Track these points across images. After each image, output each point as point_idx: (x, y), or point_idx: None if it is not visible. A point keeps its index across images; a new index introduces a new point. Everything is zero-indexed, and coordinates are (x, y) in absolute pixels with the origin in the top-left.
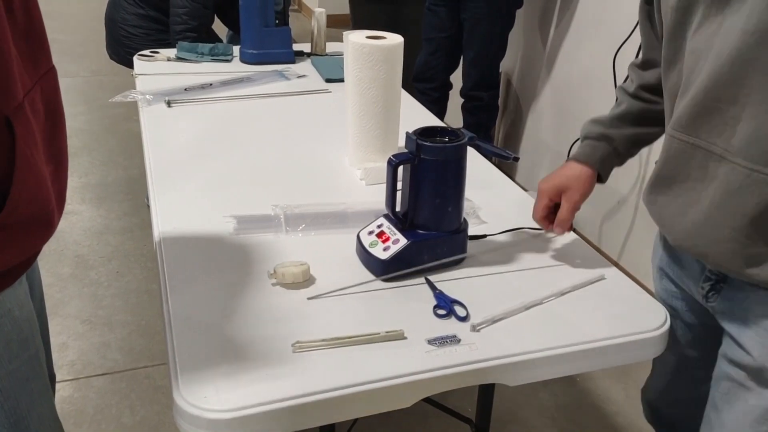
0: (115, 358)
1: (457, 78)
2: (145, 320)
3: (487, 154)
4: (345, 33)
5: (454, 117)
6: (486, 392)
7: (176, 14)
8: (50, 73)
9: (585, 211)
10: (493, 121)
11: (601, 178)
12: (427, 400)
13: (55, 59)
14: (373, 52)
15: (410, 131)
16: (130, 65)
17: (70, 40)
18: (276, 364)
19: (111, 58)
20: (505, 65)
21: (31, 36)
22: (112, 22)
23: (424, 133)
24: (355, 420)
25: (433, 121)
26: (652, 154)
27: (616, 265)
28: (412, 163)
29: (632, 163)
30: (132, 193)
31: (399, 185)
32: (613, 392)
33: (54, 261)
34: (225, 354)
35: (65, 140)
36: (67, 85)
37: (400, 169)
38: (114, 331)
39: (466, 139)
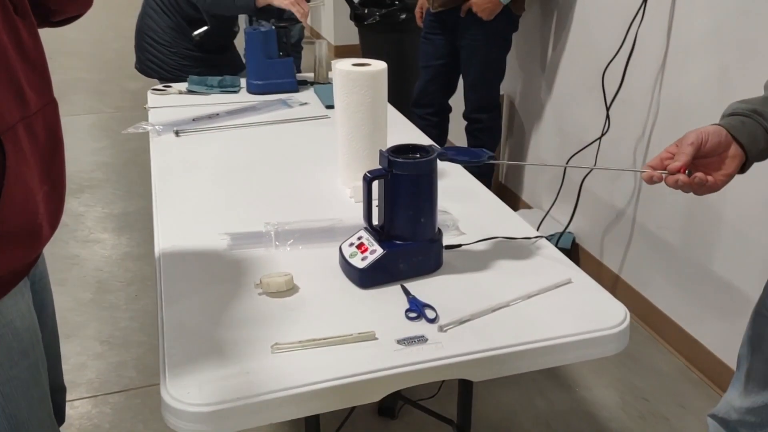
0: (130, 376)
1: (459, 101)
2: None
3: (463, 164)
4: (333, 61)
5: (460, 139)
6: (465, 393)
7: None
8: (51, 105)
9: (586, 226)
10: (495, 141)
11: (746, 161)
12: (412, 403)
13: (81, 96)
14: (358, 78)
15: (383, 149)
16: (157, 77)
17: (95, 79)
18: (255, 364)
19: (139, 70)
20: (507, 87)
21: (36, 69)
22: (140, 32)
23: (398, 150)
24: (343, 422)
25: (421, 141)
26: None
27: (617, 278)
28: (385, 178)
29: (628, 176)
30: (151, 222)
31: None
32: (609, 400)
33: (76, 286)
34: (209, 355)
35: (63, 165)
36: (92, 121)
37: (375, 184)
38: (130, 350)
39: (435, 154)
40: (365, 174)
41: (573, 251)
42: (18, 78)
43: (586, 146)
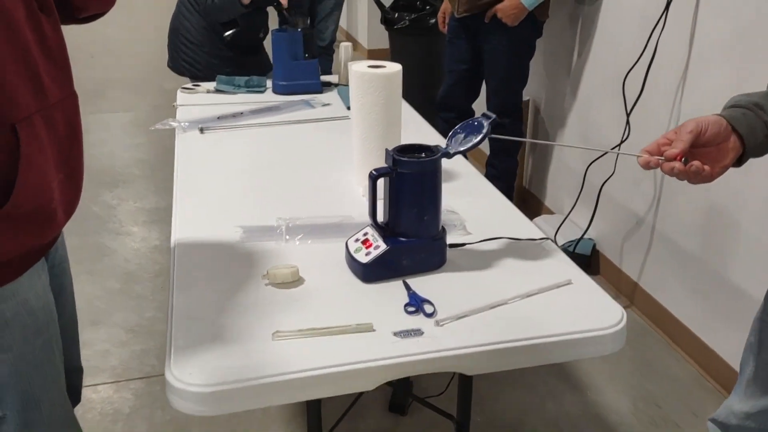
0: (152, 364)
1: (482, 105)
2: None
3: (471, 149)
4: (349, 63)
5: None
6: (465, 390)
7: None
8: (71, 98)
9: (606, 232)
10: (517, 146)
11: (744, 154)
12: (419, 400)
13: (118, 94)
14: (372, 79)
15: (389, 148)
16: (187, 75)
17: (132, 77)
18: (256, 350)
19: (171, 68)
20: (532, 93)
21: (58, 64)
22: (173, 31)
23: (404, 149)
24: (342, 416)
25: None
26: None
27: (635, 285)
28: (390, 176)
29: (648, 183)
30: None
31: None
32: (621, 405)
33: (105, 276)
34: (213, 341)
35: (81, 155)
36: (129, 119)
37: (380, 181)
38: (153, 339)
39: (440, 154)
40: (370, 172)
41: (593, 258)
42: (38, 72)
43: (605, 153)
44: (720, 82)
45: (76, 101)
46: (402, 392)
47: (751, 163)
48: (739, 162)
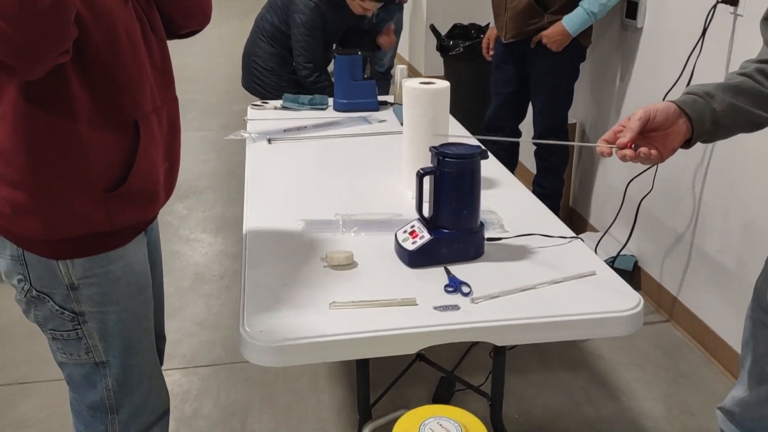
0: (218, 353)
1: (529, 126)
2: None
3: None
4: (403, 80)
5: (530, 163)
6: (498, 369)
7: (298, 63)
8: (174, 100)
9: (648, 249)
10: (563, 165)
11: (692, 138)
12: (455, 377)
13: (192, 115)
14: (422, 94)
15: (433, 146)
16: (258, 95)
17: (205, 100)
18: (315, 315)
19: (245, 87)
20: (579, 116)
21: (164, 71)
22: (247, 56)
23: (445, 149)
24: (384, 392)
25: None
26: (706, 190)
27: (675, 300)
28: (435, 174)
29: (686, 201)
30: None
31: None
32: (655, 411)
33: (176, 276)
34: (279, 307)
35: (179, 149)
36: (200, 137)
37: (426, 179)
38: (219, 332)
39: (479, 154)
40: (418, 170)
41: (635, 274)
42: (150, 79)
43: (645, 170)
44: None
45: (177, 104)
46: (445, 387)
47: None
48: (687, 144)
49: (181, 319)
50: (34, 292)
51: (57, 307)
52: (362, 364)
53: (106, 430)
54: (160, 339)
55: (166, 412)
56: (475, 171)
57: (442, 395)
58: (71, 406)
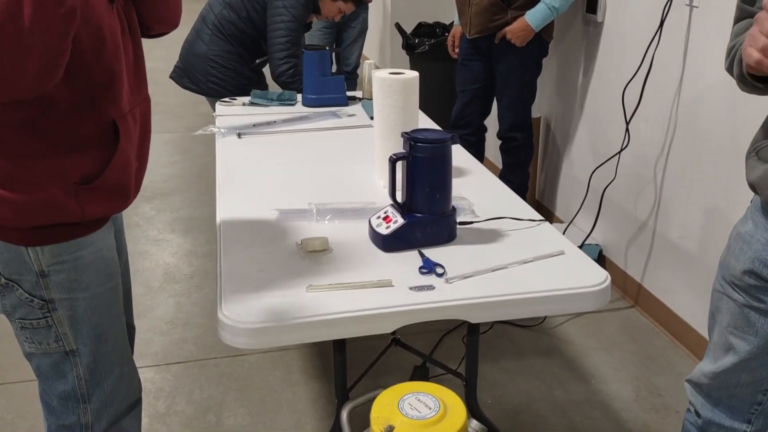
0: (190, 350)
1: (493, 121)
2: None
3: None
4: (373, 71)
5: (495, 157)
6: (472, 350)
7: (277, 59)
8: (146, 100)
9: (612, 238)
10: (528, 158)
11: None
12: (429, 359)
13: (158, 118)
14: (392, 84)
15: (405, 131)
16: (215, 95)
17: (171, 103)
18: (293, 298)
19: (193, 90)
20: (543, 110)
21: (137, 71)
22: (201, 57)
23: (417, 134)
24: (362, 375)
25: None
26: (667, 178)
27: (640, 287)
28: (407, 159)
29: (649, 189)
30: (214, 225)
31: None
32: (624, 393)
33: (146, 276)
34: (257, 290)
35: (149, 149)
36: (166, 139)
37: (399, 164)
38: (191, 330)
39: (449, 138)
40: (391, 156)
41: (600, 262)
42: (125, 80)
43: (608, 159)
44: (712, 90)
45: (149, 103)
46: (420, 374)
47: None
48: None
49: (151, 318)
50: (2, 279)
51: (26, 295)
52: (339, 348)
53: (78, 420)
54: (130, 329)
55: (138, 401)
56: (447, 155)
57: (418, 380)
58: (41, 398)
